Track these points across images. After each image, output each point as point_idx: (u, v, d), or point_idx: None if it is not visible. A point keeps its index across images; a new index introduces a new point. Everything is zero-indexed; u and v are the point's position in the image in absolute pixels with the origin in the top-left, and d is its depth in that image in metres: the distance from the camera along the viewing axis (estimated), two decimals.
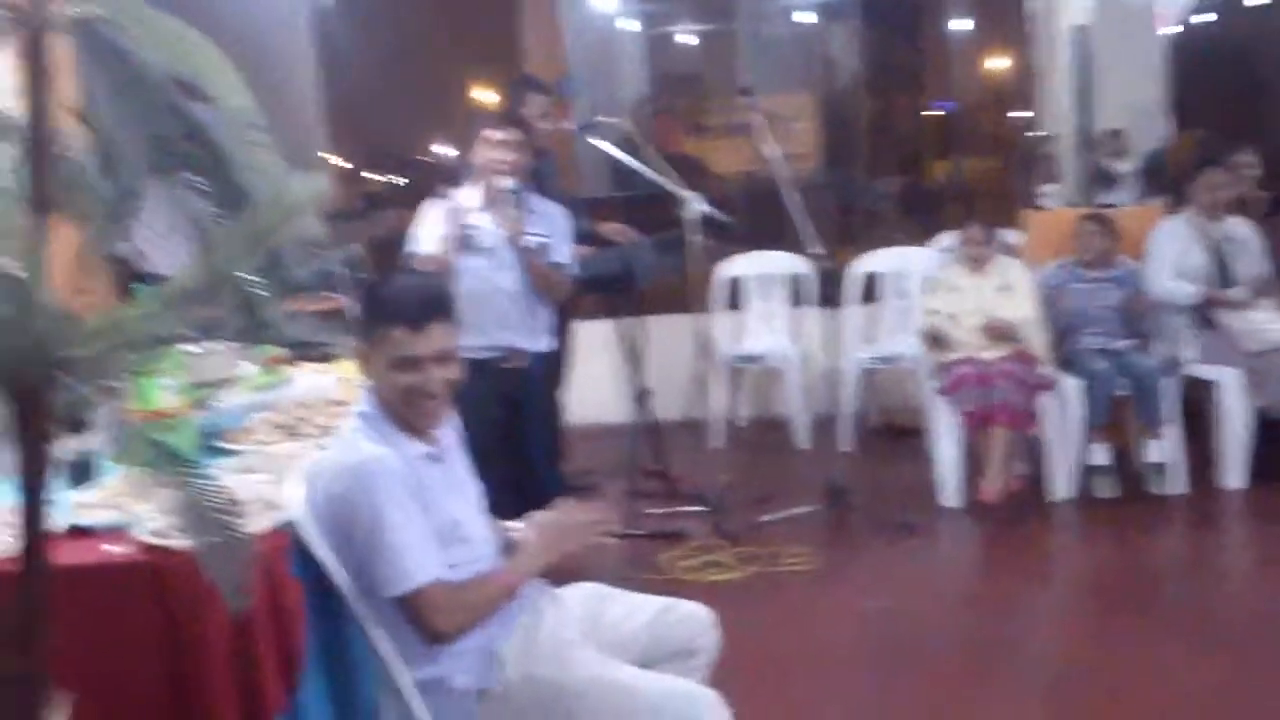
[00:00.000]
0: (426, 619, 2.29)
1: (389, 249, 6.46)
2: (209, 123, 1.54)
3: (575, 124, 5.29)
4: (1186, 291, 5.21)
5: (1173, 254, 5.24)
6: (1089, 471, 5.07)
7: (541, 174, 4.77)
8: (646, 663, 2.48)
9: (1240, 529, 4.98)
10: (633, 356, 5.30)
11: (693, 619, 2.61)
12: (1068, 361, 5.15)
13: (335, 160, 8.27)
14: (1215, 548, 4.81)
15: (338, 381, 3.61)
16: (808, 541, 4.63)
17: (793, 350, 6.29)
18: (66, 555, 2.10)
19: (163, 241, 3.57)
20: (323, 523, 2.33)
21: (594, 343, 5.83)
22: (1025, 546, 4.69)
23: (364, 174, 9.58)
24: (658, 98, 9.35)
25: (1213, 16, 8.94)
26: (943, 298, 5.24)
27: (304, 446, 2.89)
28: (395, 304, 2.40)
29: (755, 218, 7.13)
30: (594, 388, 6.09)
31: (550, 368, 4.27)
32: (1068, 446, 5.05)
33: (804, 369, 6.21)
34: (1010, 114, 8.88)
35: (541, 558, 2.47)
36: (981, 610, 4.11)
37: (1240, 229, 5.38)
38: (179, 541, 2.27)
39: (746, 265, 6.53)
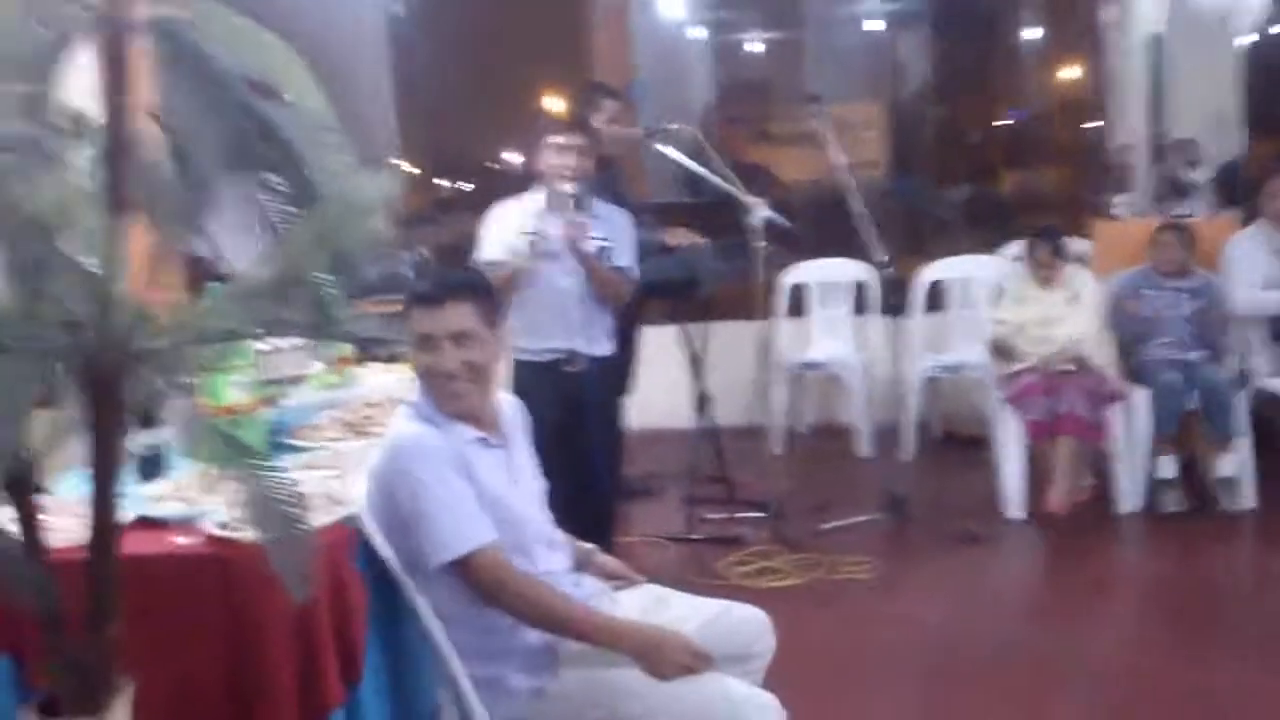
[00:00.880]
0: (482, 581, 2.32)
1: (456, 254, 6.53)
2: (283, 123, 1.58)
3: (642, 130, 5.31)
4: (1277, 300, 5.11)
5: (1251, 265, 5.15)
6: (1155, 484, 4.99)
7: (607, 180, 4.80)
8: None
9: None
10: (695, 362, 5.32)
11: (750, 622, 2.61)
12: (1136, 372, 5.08)
13: (406, 166, 8.38)
14: None
15: (403, 381, 3.66)
16: (867, 550, 4.61)
17: (856, 358, 6.27)
18: (136, 545, 2.16)
19: (238, 242, 3.66)
20: (377, 511, 2.39)
21: (657, 348, 5.85)
22: (1089, 559, 4.63)
23: (434, 180, 9.68)
24: (725, 105, 9.36)
25: None
26: (1010, 309, 5.19)
27: (369, 444, 2.94)
28: (417, 285, 2.49)
29: (821, 225, 7.11)
30: (656, 393, 6.11)
31: (611, 372, 4.28)
32: (1135, 458, 4.97)
33: (867, 377, 6.19)
34: (1082, 123, 8.77)
35: (626, 641, 2.32)
36: (1043, 623, 4.07)
37: None
38: (245, 534, 2.33)
39: (811, 272, 6.52)
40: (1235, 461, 4.92)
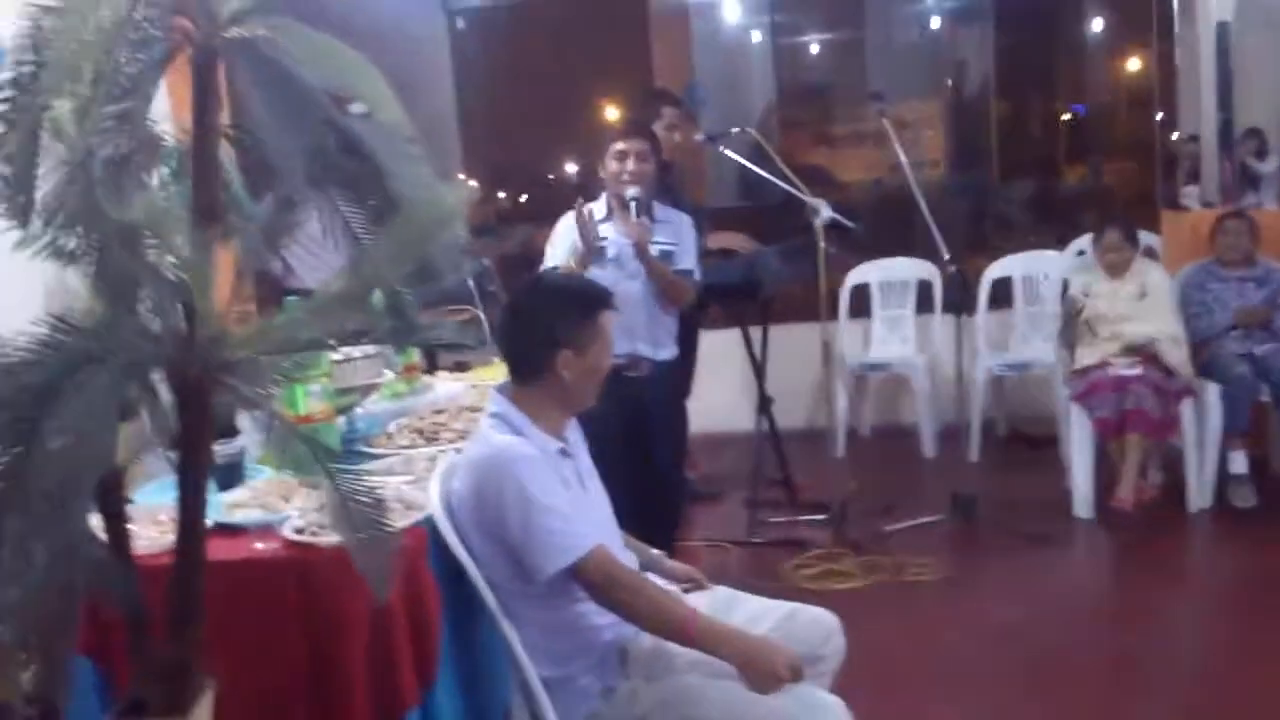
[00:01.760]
0: (595, 581, 2.36)
1: (518, 264, 6.61)
2: (365, 136, 1.62)
3: (703, 134, 5.33)
4: None
5: None
6: (1227, 480, 4.92)
7: (668, 184, 4.83)
8: None
9: None
10: (757, 365, 5.33)
11: (818, 624, 2.62)
12: (1206, 366, 5.01)
13: (469, 179, 8.48)
14: None
15: (472, 389, 3.72)
16: (933, 552, 4.59)
17: (919, 358, 6.24)
18: (216, 551, 2.22)
19: (310, 256, 3.74)
20: (473, 519, 2.42)
21: (719, 351, 5.86)
22: (1161, 558, 4.58)
23: (497, 192, 9.78)
24: (785, 107, 9.35)
25: None
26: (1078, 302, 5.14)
27: (440, 450, 3.00)
28: (599, 292, 2.59)
29: (883, 225, 7.09)
30: (719, 396, 6.13)
31: (674, 375, 4.30)
32: (1206, 454, 4.91)
33: (931, 377, 6.16)
34: (1147, 115, 8.67)
35: (730, 648, 2.32)
36: (1115, 623, 4.03)
37: None
38: (322, 539, 2.39)
39: (874, 272, 6.50)
40: None
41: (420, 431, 3.21)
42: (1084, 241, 5.96)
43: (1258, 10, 5.39)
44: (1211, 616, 4.10)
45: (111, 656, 2.32)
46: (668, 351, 4.14)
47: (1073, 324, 5.05)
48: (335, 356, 3.29)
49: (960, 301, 5.20)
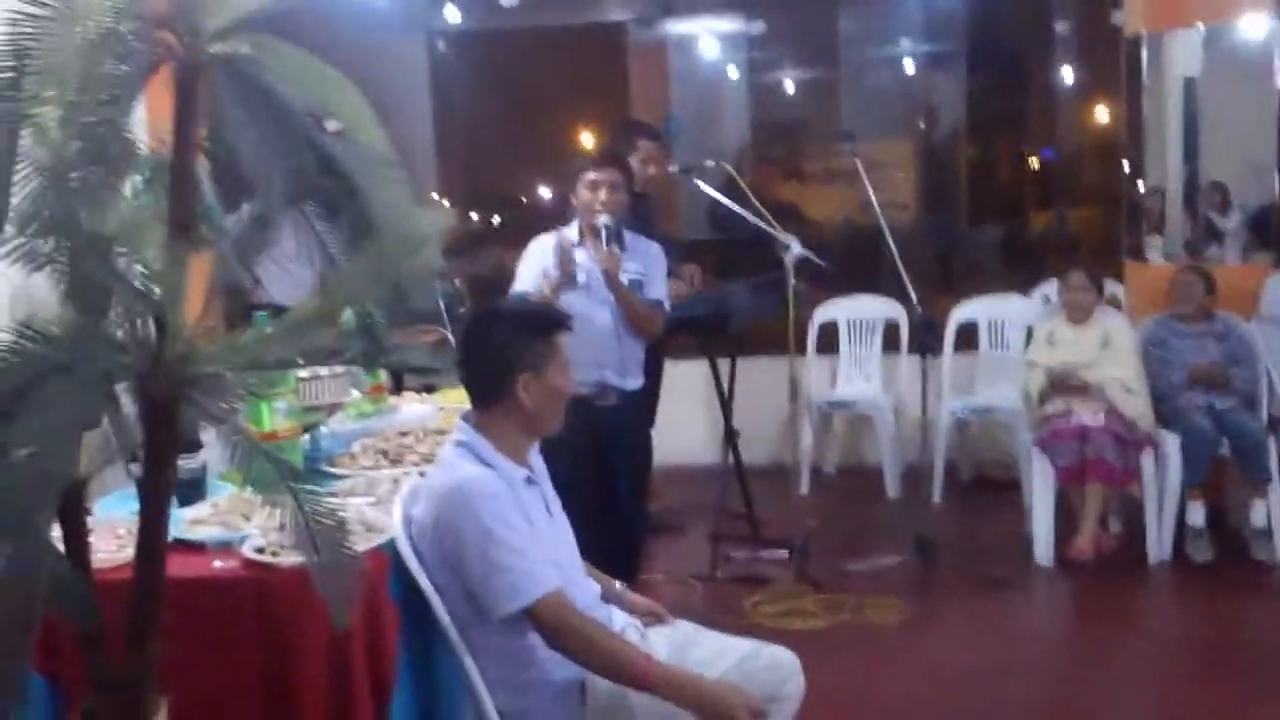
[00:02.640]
0: (549, 628, 2.34)
1: (489, 286, 6.60)
2: (343, 156, 1.62)
3: (677, 166, 5.36)
4: None
5: None
6: (1186, 532, 4.96)
7: (641, 215, 4.84)
8: None
9: None
10: (723, 398, 5.33)
11: (779, 664, 2.61)
12: (1167, 418, 5.06)
13: (443, 199, 8.49)
14: None
15: (438, 411, 3.70)
16: (894, 592, 4.60)
17: (885, 397, 6.26)
18: (175, 568, 2.19)
19: (281, 273, 3.72)
20: (432, 549, 2.40)
21: (686, 383, 5.87)
22: (1117, 608, 4.61)
23: (469, 213, 9.80)
24: (759, 144, 9.42)
25: None
26: (1042, 350, 5.18)
27: (405, 473, 2.98)
28: (554, 315, 2.62)
29: (852, 263, 7.14)
30: (684, 428, 6.13)
31: (640, 405, 4.29)
32: (1165, 506, 4.95)
33: (896, 417, 6.18)
34: (1114, 165, 8.80)
35: (688, 693, 2.31)
36: (1071, 671, 4.04)
37: None
38: (283, 559, 2.37)
39: (842, 310, 6.52)
40: (1268, 510, 4.89)
41: (385, 452, 3.19)
42: (1050, 288, 6.02)
43: (1225, 67, 5.48)
44: (1167, 669, 4.12)
45: (61, 670, 2.29)
46: (635, 381, 4.13)
47: (1058, 385, 5.07)
48: (302, 374, 3.27)
49: (926, 343, 5.24)
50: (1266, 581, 4.80)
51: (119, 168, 1.68)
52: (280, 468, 1.76)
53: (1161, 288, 5.41)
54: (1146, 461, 4.92)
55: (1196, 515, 4.94)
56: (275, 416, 2.92)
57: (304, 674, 2.31)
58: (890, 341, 6.44)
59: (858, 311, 6.52)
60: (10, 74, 1.49)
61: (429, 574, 2.41)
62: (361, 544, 2.38)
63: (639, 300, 4.05)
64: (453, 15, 7.97)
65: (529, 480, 2.53)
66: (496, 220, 10.02)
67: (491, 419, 2.51)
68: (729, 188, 5.34)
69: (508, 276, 4.29)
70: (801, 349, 6.02)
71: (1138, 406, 4.95)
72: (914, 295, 4.90)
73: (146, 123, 2.24)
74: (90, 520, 2.25)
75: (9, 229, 1.62)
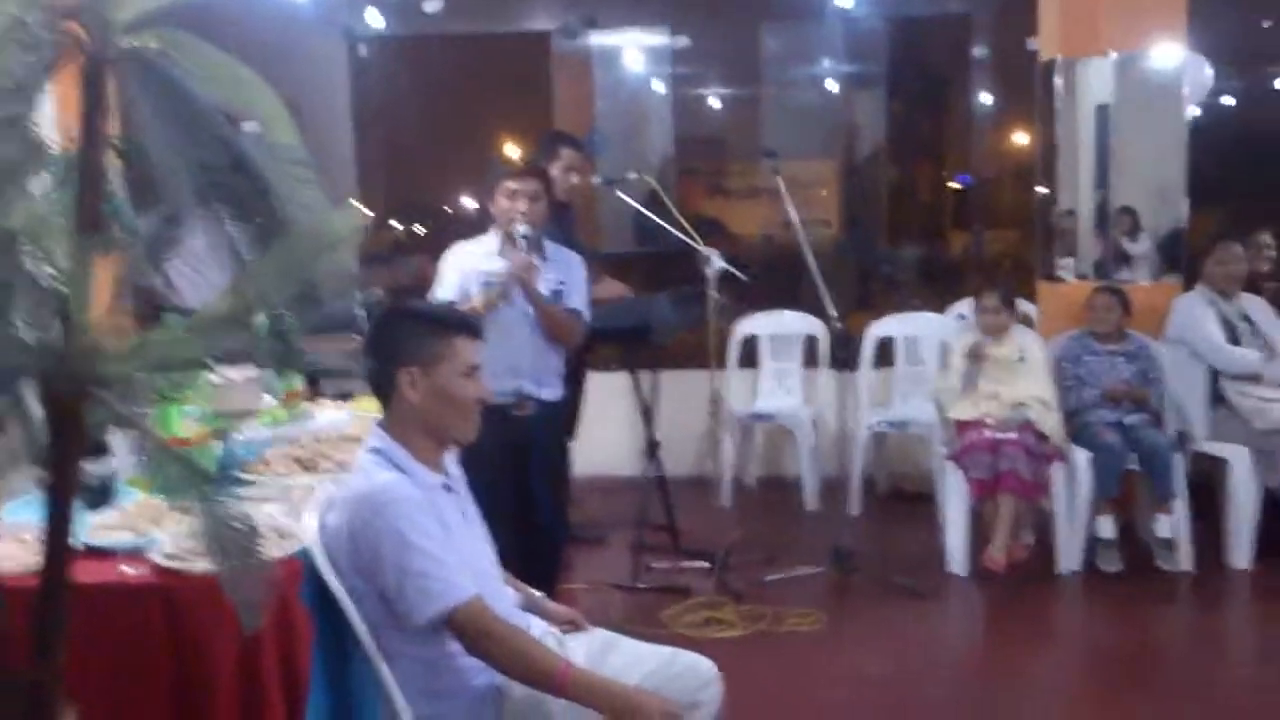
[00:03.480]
0: (468, 635, 2.32)
1: (410, 295, 6.55)
2: (255, 155, 1.60)
3: (600, 178, 5.37)
4: (1250, 359, 5.21)
5: (1211, 325, 5.28)
6: (1095, 544, 5.07)
7: (562, 224, 4.84)
8: None
9: (1246, 608, 4.96)
10: (645, 410, 5.35)
11: (696, 671, 2.62)
12: (1078, 433, 5.18)
13: (362, 207, 8.42)
14: (1220, 626, 4.79)
15: (354, 418, 3.67)
16: (812, 603, 4.64)
17: (805, 411, 6.32)
18: (82, 574, 2.15)
19: (193, 274, 3.64)
20: (347, 556, 2.37)
21: (607, 394, 5.87)
22: (1030, 617, 4.69)
23: (389, 222, 9.73)
24: (682, 158, 9.48)
25: (1233, 100, 9.07)
26: (956, 366, 5.28)
27: (320, 480, 2.94)
28: (456, 318, 2.56)
29: (773, 279, 7.21)
30: (605, 440, 6.14)
31: (559, 416, 4.28)
32: (1075, 518, 5.06)
33: (815, 430, 6.25)
34: (1029, 189, 9.02)
35: (604, 699, 2.31)
36: (983, 678, 4.12)
37: (1254, 305, 5.43)
38: (192, 565, 2.33)
39: (762, 324, 6.58)
40: (1173, 523, 5.02)
41: (299, 460, 3.15)
42: (964, 305, 6.12)
43: (1136, 94, 5.63)
44: (1078, 675, 4.21)
45: None
46: (553, 391, 4.12)
47: (975, 366, 5.16)
48: (214, 379, 3.22)
49: (845, 358, 5.31)
50: (1172, 591, 4.92)
51: (25, 164, 1.64)
52: (191, 471, 1.73)
53: (1073, 307, 5.54)
54: (1057, 475, 5.03)
55: (1106, 528, 5.05)
56: (186, 421, 2.88)
57: (215, 681, 2.28)
58: (810, 356, 6.52)
59: (778, 326, 6.58)
60: None
61: (344, 581, 2.38)
62: (274, 551, 2.35)
63: (557, 309, 4.04)
64: (375, 19, 7.91)
65: (446, 487, 2.52)
66: (419, 229, 9.96)
67: (398, 423, 2.49)
68: (652, 201, 5.37)
69: (429, 285, 4.26)
70: (723, 362, 6.06)
71: (1051, 422, 5.06)
72: (833, 311, 4.96)
73: (57, 120, 2.20)
74: None
75: None
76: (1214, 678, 4.14)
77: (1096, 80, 5.67)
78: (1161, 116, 5.64)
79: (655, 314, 5.04)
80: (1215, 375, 5.30)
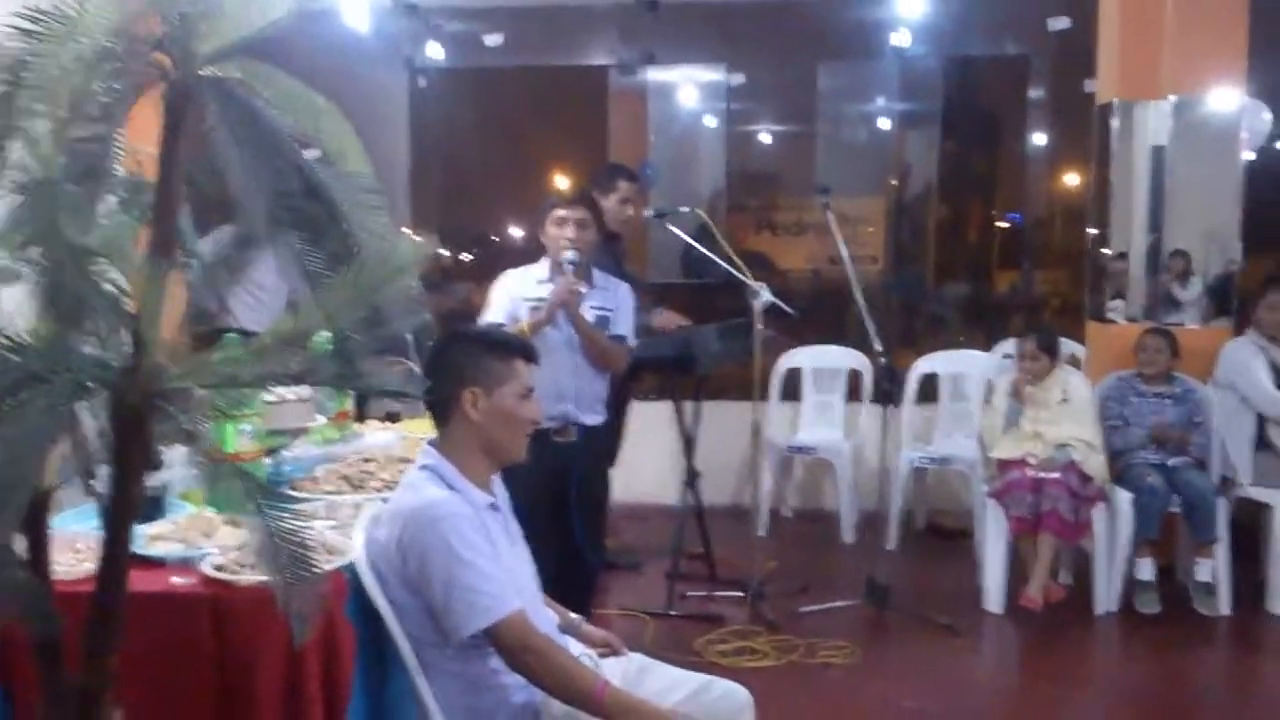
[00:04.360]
0: (511, 648, 2.37)
1: (458, 321, 6.64)
2: (328, 182, 1.66)
3: (651, 210, 5.44)
4: None
5: (1261, 370, 5.25)
6: (1134, 586, 5.04)
7: (612, 253, 4.91)
8: None
9: None
10: (686, 439, 5.39)
11: (730, 699, 2.65)
12: (1121, 475, 5.16)
13: (414, 234, 8.55)
14: (1257, 671, 4.74)
15: (402, 439, 3.73)
16: (846, 635, 4.64)
17: (845, 444, 6.34)
18: (134, 582, 2.21)
19: (250, 298, 3.75)
20: (394, 571, 2.43)
21: (650, 423, 5.92)
22: (1066, 656, 4.67)
23: (440, 249, 9.85)
24: (733, 193, 9.54)
25: None
26: (1000, 404, 5.28)
27: (368, 498, 3.01)
28: (519, 340, 2.65)
29: (818, 313, 7.23)
30: (646, 468, 6.17)
31: (601, 442, 4.32)
32: (1115, 559, 5.03)
33: (855, 464, 6.26)
34: (1080, 229, 9.01)
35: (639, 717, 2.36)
36: (1017, 717, 4.10)
37: None
38: (242, 577, 2.39)
39: (807, 357, 6.61)
40: (1213, 567, 4.98)
41: (347, 478, 3.21)
42: (1010, 344, 6.11)
43: (1193, 138, 5.63)
44: (1111, 717, 4.19)
45: (14, 683, 2.30)
46: (596, 417, 4.16)
47: (1017, 403, 5.17)
48: (268, 398, 3.30)
49: (888, 393, 5.32)
50: (1209, 635, 4.89)
51: (102, 184, 1.72)
52: (248, 484, 1.79)
53: (1122, 348, 5.53)
54: (1098, 516, 5.01)
55: (1145, 570, 5.03)
56: (240, 438, 2.95)
57: (259, 692, 2.33)
58: (852, 390, 6.53)
59: (822, 360, 6.61)
60: (5, 86, 1.53)
61: (389, 595, 2.44)
62: (323, 566, 2.41)
63: (601, 335, 4.09)
64: (435, 52, 8.06)
65: (492, 506, 2.57)
66: (467, 257, 10.07)
67: (451, 440, 2.55)
68: (702, 234, 5.42)
69: (476, 312, 4.33)
70: (765, 394, 6.09)
71: (1095, 463, 5.04)
72: (879, 345, 4.98)
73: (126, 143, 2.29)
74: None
75: None
76: None
77: (1154, 122, 5.68)
78: (1218, 160, 5.63)
79: (701, 345, 5.09)
80: (1262, 421, 5.27)
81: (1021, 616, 4.86)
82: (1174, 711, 4.17)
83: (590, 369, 4.10)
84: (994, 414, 5.31)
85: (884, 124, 10.04)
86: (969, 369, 6.31)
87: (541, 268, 4.16)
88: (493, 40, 7.75)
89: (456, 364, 2.55)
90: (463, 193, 9.79)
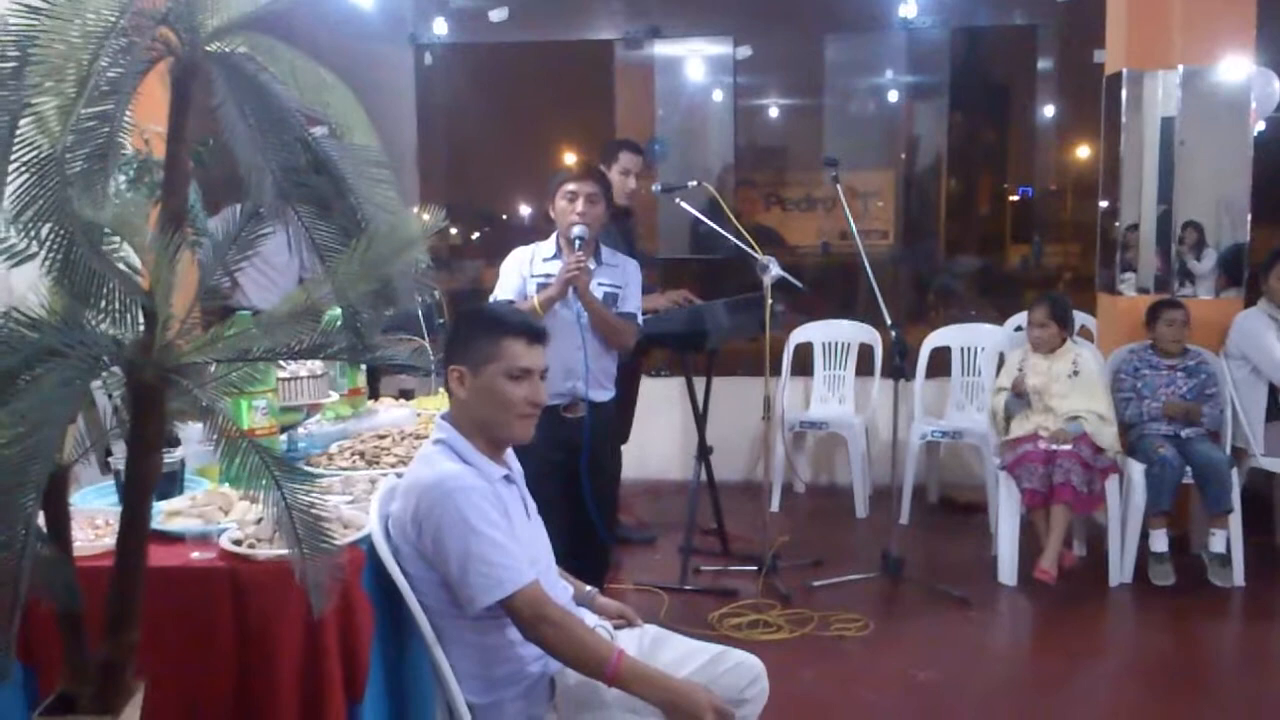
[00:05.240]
0: (527, 619, 2.38)
1: (467, 299, 6.65)
2: (337, 157, 1.67)
3: (659, 185, 5.43)
4: None
5: (1272, 340, 5.25)
6: (1147, 557, 5.05)
7: (622, 230, 4.90)
8: None
9: None
10: (698, 414, 5.40)
11: (744, 668, 2.67)
12: (1134, 446, 5.16)
13: (429, 212, 8.53)
14: (1271, 641, 4.73)
15: (415, 415, 3.75)
16: (860, 609, 4.66)
17: (857, 418, 6.34)
18: (154, 557, 2.24)
19: (259, 275, 3.75)
20: (410, 544, 2.44)
21: (661, 399, 5.93)
22: (1079, 628, 4.68)
23: (449, 227, 9.83)
24: (742, 167, 9.50)
25: None
26: (1011, 376, 5.28)
27: (382, 473, 3.03)
28: (512, 320, 2.60)
29: (829, 288, 7.22)
30: (658, 444, 6.19)
31: (610, 418, 4.33)
32: (1128, 531, 5.04)
33: (867, 437, 6.26)
34: (1091, 202, 8.97)
35: (656, 691, 2.36)
36: (1031, 688, 4.11)
37: None
38: (259, 551, 2.41)
39: (817, 332, 6.61)
40: (1227, 538, 4.98)
41: (362, 454, 3.23)
42: (1022, 318, 6.11)
43: (1203, 108, 5.60)
44: (1125, 688, 4.20)
45: (36, 653, 2.32)
46: (605, 393, 4.17)
47: (1019, 399, 5.18)
48: (282, 374, 3.32)
49: (899, 367, 5.32)
50: (1223, 606, 4.89)
51: (113, 161, 1.73)
52: (264, 460, 1.80)
53: (1132, 321, 5.52)
54: (1111, 487, 5.01)
55: (1159, 541, 5.03)
56: (254, 414, 2.97)
57: (278, 664, 2.35)
58: (864, 364, 6.53)
59: (833, 334, 6.61)
60: (13, 63, 1.54)
61: (405, 568, 2.46)
62: (339, 540, 2.43)
63: (609, 312, 4.09)
64: (441, 28, 8.05)
65: (507, 479, 2.58)
66: (476, 236, 10.06)
67: (458, 416, 2.57)
68: (711, 208, 5.42)
69: (486, 289, 4.33)
70: (776, 369, 6.09)
71: (1108, 435, 5.04)
72: (889, 319, 4.98)
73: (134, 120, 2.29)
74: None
75: (3, 217, 1.66)
76: (1263, 693, 4.11)
77: (1163, 93, 5.66)
78: (1227, 130, 5.61)
79: (711, 320, 5.09)
80: (1274, 391, 5.26)
81: (1035, 589, 4.88)
82: (1189, 682, 4.17)
83: (599, 346, 4.10)
84: (997, 401, 5.30)
85: (892, 96, 9.99)
86: (981, 342, 6.31)
87: (550, 244, 4.16)
88: (498, 15, 7.74)
89: (450, 341, 2.60)
90: (471, 171, 9.77)
